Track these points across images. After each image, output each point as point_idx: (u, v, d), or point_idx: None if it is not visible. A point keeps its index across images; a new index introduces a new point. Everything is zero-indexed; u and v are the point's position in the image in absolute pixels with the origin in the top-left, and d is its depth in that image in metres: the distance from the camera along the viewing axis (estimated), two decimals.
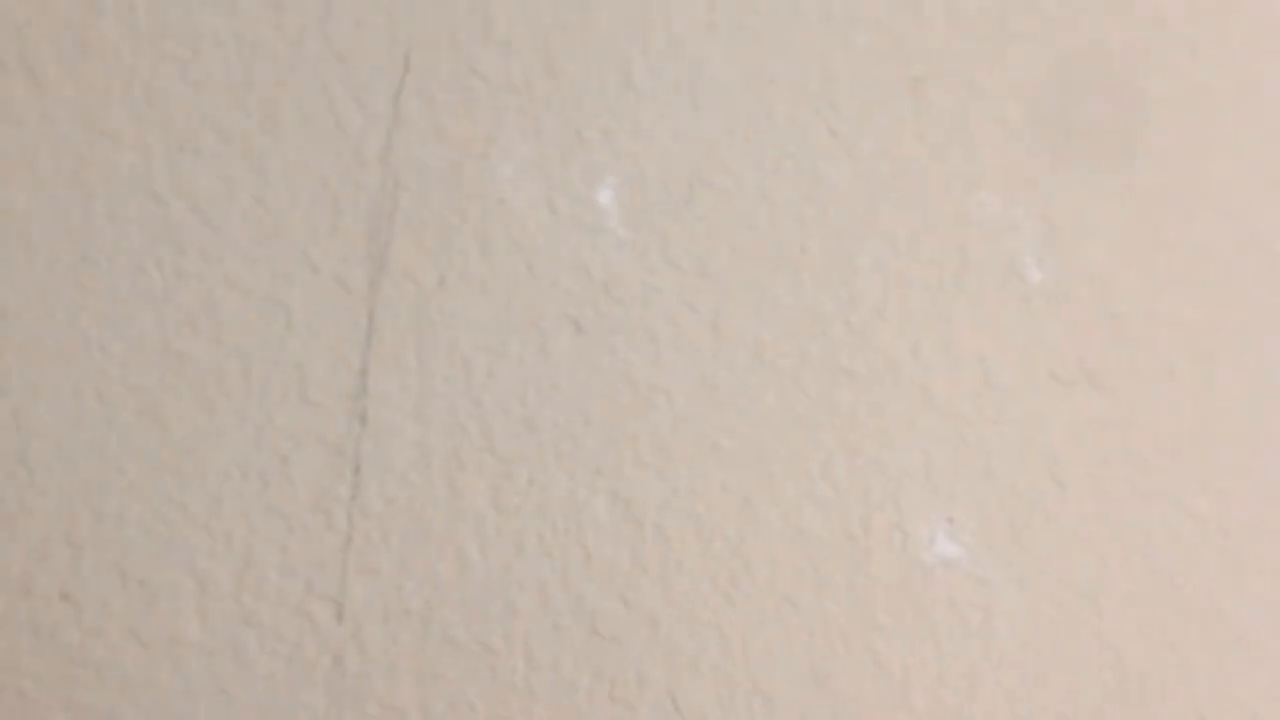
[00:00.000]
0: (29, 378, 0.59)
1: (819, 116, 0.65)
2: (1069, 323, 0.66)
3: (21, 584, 0.59)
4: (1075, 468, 0.65)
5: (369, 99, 0.61)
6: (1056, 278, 0.66)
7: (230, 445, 0.60)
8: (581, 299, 0.62)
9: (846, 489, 0.64)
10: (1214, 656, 0.66)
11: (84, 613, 0.59)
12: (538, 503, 0.61)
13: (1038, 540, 0.65)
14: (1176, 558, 0.66)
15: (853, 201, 0.65)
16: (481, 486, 0.61)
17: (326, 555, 0.60)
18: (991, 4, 0.68)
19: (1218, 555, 0.67)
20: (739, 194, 0.64)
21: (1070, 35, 0.69)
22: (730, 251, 0.63)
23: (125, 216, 0.60)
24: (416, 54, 0.61)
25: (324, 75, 0.61)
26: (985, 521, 0.65)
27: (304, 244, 0.60)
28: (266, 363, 0.60)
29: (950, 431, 0.65)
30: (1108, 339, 0.67)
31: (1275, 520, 0.67)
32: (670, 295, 0.62)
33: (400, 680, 0.61)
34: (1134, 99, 0.69)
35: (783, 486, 0.63)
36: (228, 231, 0.60)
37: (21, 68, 0.59)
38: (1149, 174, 0.68)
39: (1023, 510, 0.65)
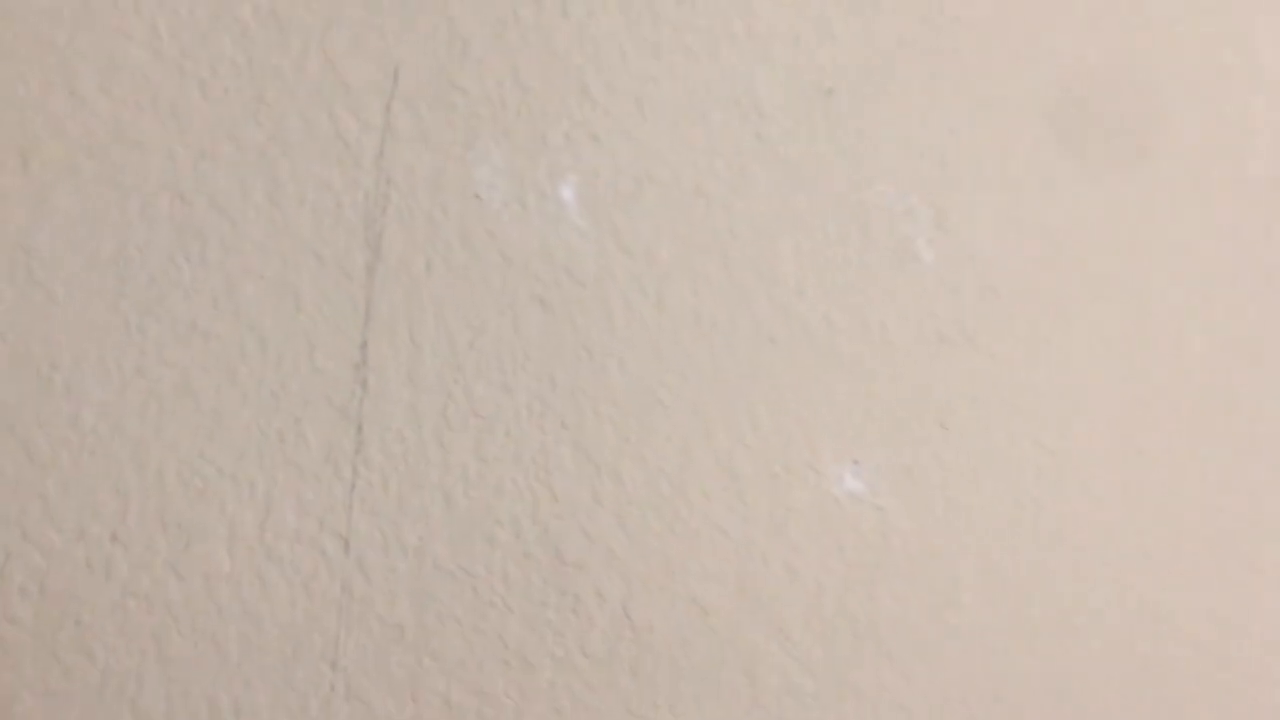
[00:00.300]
0: (79, 355, 0.68)
1: (746, 123, 0.74)
2: (954, 294, 0.77)
3: (77, 529, 0.68)
4: (957, 415, 0.77)
5: (364, 111, 0.70)
6: (944, 257, 0.77)
7: (251, 409, 0.69)
8: (547, 281, 0.72)
9: (770, 436, 0.75)
10: (1067, 561, 0.79)
11: (130, 551, 0.69)
12: (513, 452, 0.72)
13: (926, 476, 0.76)
14: (1035, 485, 0.78)
15: (774, 195, 0.75)
16: (465, 439, 0.71)
17: (335, 499, 0.70)
18: (891, 24, 0.78)
19: (1069, 483, 0.79)
20: (679, 189, 0.73)
21: (951, 49, 0.79)
22: (672, 239, 0.73)
23: (156, 215, 0.69)
24: (404, 72, 0.70)
25: (324, 91, 0.70)
26: (884, 461, 0.76)
27: (309, 237, 0.70)
28: (280, 339, 0.70)
29: (856, 387, 0.76)
30: (985, 307, 0.78)
31: (1116, 453, 0.80)
32: (622, 276, 0.73)
33: (398, 602, 0.71)
34: (1009, 104, 0.79)
35: (717, 435, 0.74)
36: (244, 227, 0.69)
37: (65, 88, 0.68)
38: (1020, 170, 0.79)
39: (914, 451, 0.76)
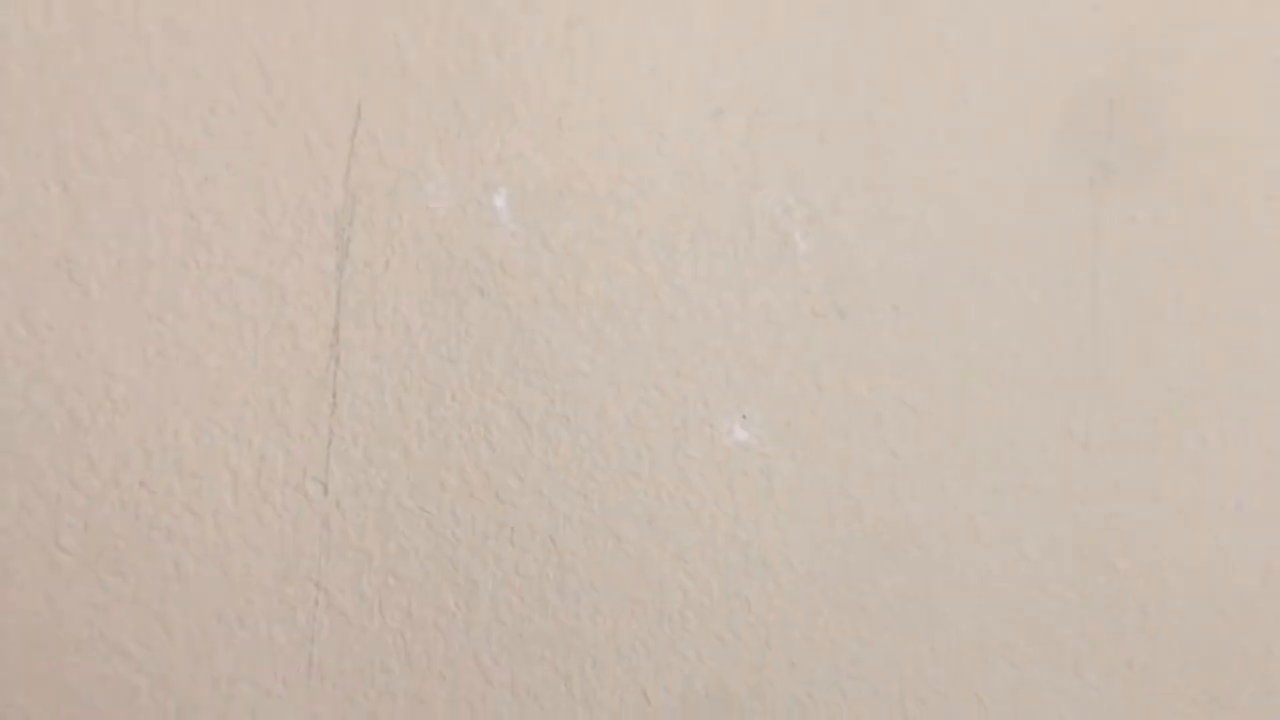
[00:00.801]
0: (111, 340, 0.85)
1: (649, 138, 0.89)
2: (825, 277, 0.92)
3: (112, 477, 0.85)
4: (829, 376, 0.92)
5: (333, 139, 0.86)
6: (817, 246, 0.92)
7: (247, 381, 0.86)
8: (484, 274, 0.88)
9: (672, 398, 0.90)
10: (920, 494, 0.94)
11: (155, 494, 0.86)
12: (458, 413, 0.88)
13: (802, 427, 0.92)
14: (896, 435, 0.93)
15: (674, 199, 0.90)
16: (420, 403, 0.88)
17: (315, 452, 0.87)
18: (772, 49, 0.91)
19: (926, 433, 0.93)
20: (594, 197, 0.89)
21: (827, 71, 0.92)
22: (588, 238, 0.89)
23: (170, 228, 0.85)
24: (365, 107, 0.86)
25: (301, 125, 0.86)
26: (767, 416, 0.92)
27: (291, 242, 0.86)
28: (268, 325, 0.86)
29: (743, 355, 0.91)
30: (851, 286, 0.93)
31: (971, 408, 0.94)
32: (546, 270, 0.88)
33: (368, 534, 0.88)
34: (877, 117, 0.92)
35: (628, 398, 0.90)
36: (239, 236, 0.86)
37: (95, 128, 0.84)
38: (879, 172, 0.93)
39: (793, 407, 0.92)
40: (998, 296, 0.93)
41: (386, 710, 0.88)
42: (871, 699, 0.92)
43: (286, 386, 0.86)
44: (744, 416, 0.90)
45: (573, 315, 0.88)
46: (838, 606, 0.92)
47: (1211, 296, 0.97)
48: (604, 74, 0.88)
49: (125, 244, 0.84)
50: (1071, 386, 0.94)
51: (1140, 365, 0.96)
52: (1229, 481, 0.97)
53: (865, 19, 0.91)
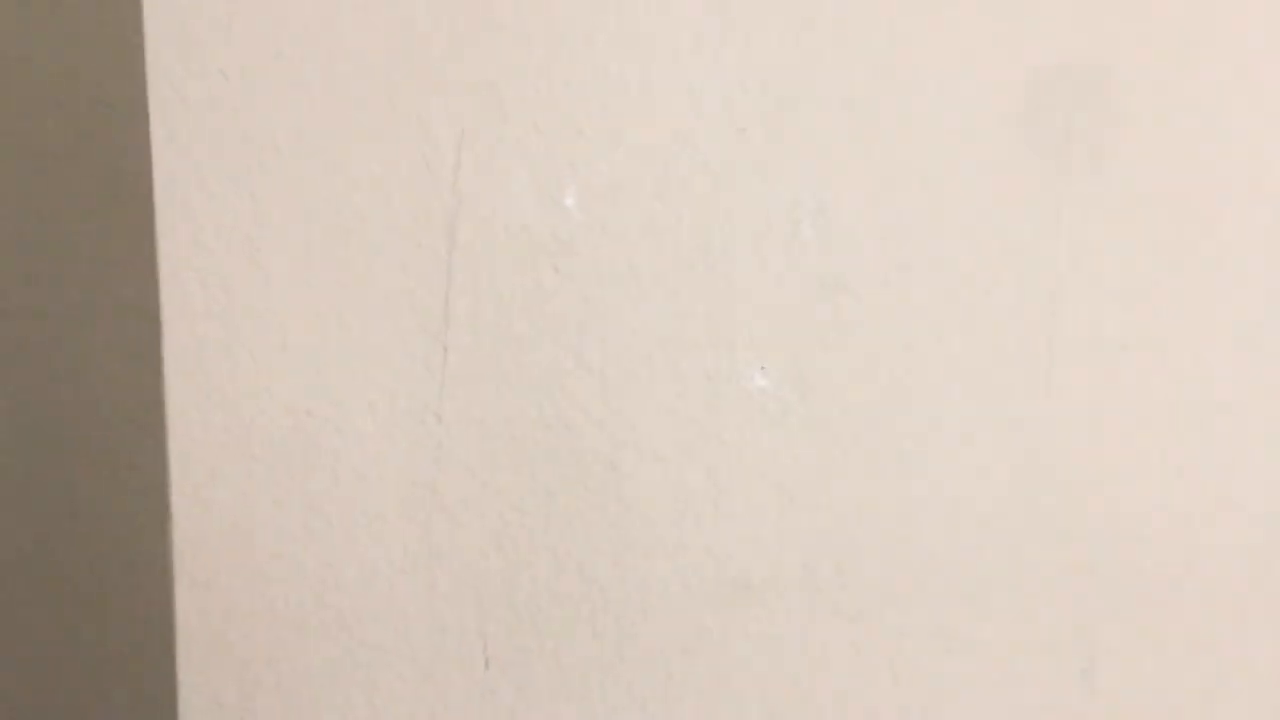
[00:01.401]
0: (301, 318, 1.16)
1: (687, 149, 1.14)
2: (826, 258, 1.15)
3: (286, 408, 1.16)
4: (834, 337, 1.15)
5: (444, 155, 1.14)
6: (821, 234, 1.16)
7: (383, 339, 1.15)
8: (557, 254, 1.15)
9: (705, 353, 1.15)
10: (913, 432, 1.16)
11: (317, 419, 1.16)
12: (539, 362, 1.15)
13: (813, 376, 1.15)
14: (894, 384, 1.16)
15: (707, 196, 1.15)
16: (510, 354, 1.15)
17: (431, 391, 1.15)
18: (777, 71, 1.13)
19: (921, 382, 1.16)
20: (643, 195, 1.14)
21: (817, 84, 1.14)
22: (652, 233, 1.14)
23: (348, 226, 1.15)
24: (467, 132, 1.14)
25: (420, 145, 1.14)
26: (783, 367, 1.15)
27: (411, 229, 1.15)
28: (397, 297, 1.15)
29: (762, 318, 1.15)
30: (845, 266, 1.16)
31: (953, 369, 1.16)
32: (612, 257, 1.14)
33: (471, 455, 1.16)
34: (865, 118, 1.13)
35: (671, 350, 1.14)
36: (373, 226, 1.15)
37: (272, 146, 1.14)
38: (869, 168, 1.14)
39: (805, 360, 1.15)
40: (965, 279, 1.16)
41: (485, 582, 1.16)
42: (858, 599, 1.16)
43: (410, 344, 1.15)
44: (762, 368, 1.15)
45: (626, 294, 1.14)
46: (845, 524, 1.16)
47: (1171, 281, 1.16)
48: (651, 103, 1.14)
49: (313, 235, 1.14)
50: (1028, 367, 1.16)
51: (1098, 356, 1.16)
52: (1191, 471, 1.17)
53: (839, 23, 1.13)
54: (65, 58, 1.46)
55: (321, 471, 1.16)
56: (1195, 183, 1.13)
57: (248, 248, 1.17)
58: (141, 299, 1.24)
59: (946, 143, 1.13)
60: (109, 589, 1.47)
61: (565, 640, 1.16)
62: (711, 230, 1.13)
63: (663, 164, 1.12)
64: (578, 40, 1.10)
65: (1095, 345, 1.15)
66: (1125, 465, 1.17)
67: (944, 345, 1.15)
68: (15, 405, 1.48)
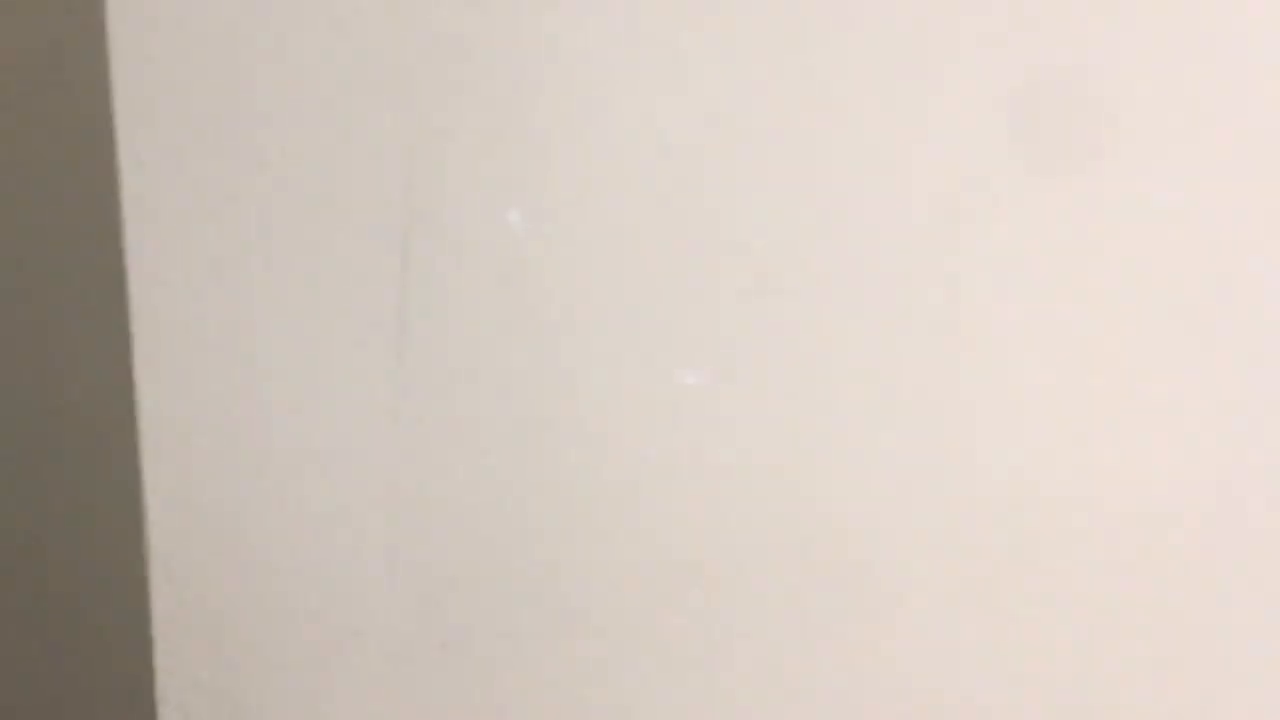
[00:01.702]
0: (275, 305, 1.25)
1: (619, 174, 1.25)
2: (743, 263, 1.26)
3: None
4: (760, 337, 1.25)
5: (395, 174, 1.24)
6: (737, 241, 1.26)
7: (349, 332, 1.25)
8: (505, 271, 1.25)
9: (642, 352, 1.24)
10: (826, 416, 1.26)
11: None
12: (478, 357, 1.25)
13: (738, 373, 1.25)
14: (814, 378, 1.25)
15: (638, 213, 1.25)
16: (457, 348, 1.25)
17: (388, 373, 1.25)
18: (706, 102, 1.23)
19: (838, 378, 1.25)
20: (602, 219, 1.24)
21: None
22: (601, 249, 1.23)
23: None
24: (419, 151, 1.24)
25: (373, 164, 1.24)
26: (713, 365, 1.25)
27: (366, 242, 1.24)
28: (359, 288, 1.25)
29: (690, 321, 1.25)
30: (758, 270, 1.26)
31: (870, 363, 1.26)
32: (562, 269, 1.25)
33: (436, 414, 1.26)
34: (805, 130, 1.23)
35: (609, 349, 1.24)
36: (334, 236, 1.25)
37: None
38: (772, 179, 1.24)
39: (730, 359, 1.25)
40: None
41: None
42: (788, 584, 1.26)
43: (367, 351, 1.25)
44: (694, 366, 1.24)
45: (570, 297, 1.23)
46: (769, 500, 1.26)
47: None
48: (596, 123, 1.23)
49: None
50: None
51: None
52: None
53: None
54: (33, 59, 1.52)
55: (288, 469, 1.25)
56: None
57: (213, 259, 1.27)
58: (113, 309, 1.33)
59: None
60: (85, 585, 1.55)
61: (522, 624, 1.26)
62: (644, 246, 1.22)
63: (605, 181, 1.22)
64: (525, 62, 1.20)
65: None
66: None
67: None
68: None
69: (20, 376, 1.52)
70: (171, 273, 1.27)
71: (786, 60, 1.17)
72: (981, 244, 1.17)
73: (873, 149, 1.16)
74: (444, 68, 1.21)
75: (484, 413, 1.25)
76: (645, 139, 1.20)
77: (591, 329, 1.23)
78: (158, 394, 1.28)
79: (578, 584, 1.25)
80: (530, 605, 1.26)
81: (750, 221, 1.19)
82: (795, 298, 1.20)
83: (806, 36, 1.16)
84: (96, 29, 1.27)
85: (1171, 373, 1.15)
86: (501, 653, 1.26)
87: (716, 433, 1.23)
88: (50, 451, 1.54)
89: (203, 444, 1.26)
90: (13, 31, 1.43)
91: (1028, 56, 1.09)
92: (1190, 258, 1.10)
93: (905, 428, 1.21)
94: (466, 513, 1.26)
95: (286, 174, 1.26)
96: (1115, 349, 1.15)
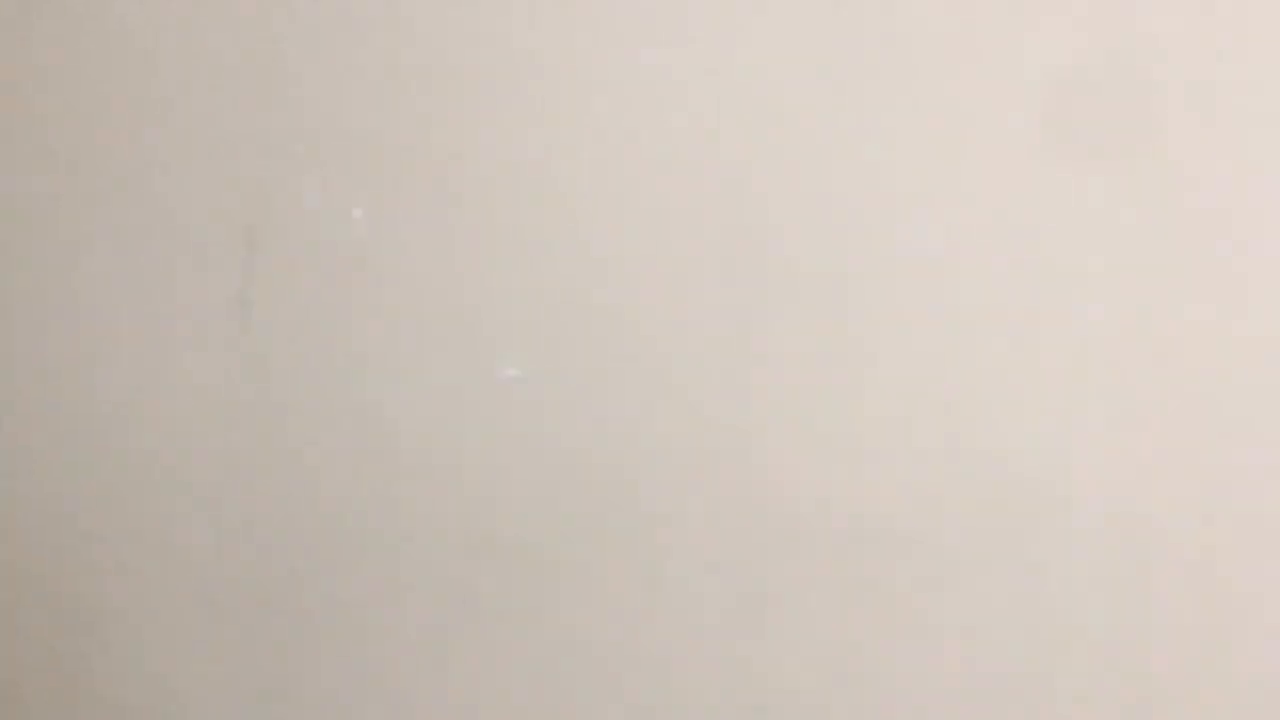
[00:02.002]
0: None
1: (412, 176, 1.35)
2: (541, 260, 1.38)
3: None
4: (576, 329, 1.36)
5: (247, 175, 1.33)
6: (526, 232, 1.38)
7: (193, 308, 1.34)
8: (343, 266, 1.35)
9: (464, 346, 1.35)
10: (646, 406, 1.38)
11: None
12: (317, 350, 1.35)
13: (557, 366, 1.36)
14: (624, 372, 1.37)
15: (442, 218, 1.36)
16: (297, 334, 1.35)
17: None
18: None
19: (670, 376, 1.38)
20: (419, 211, 1.35)
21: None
22: (423, 239, 1.35)
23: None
24: (271, 157, 1.33)
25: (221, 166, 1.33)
26: (532, 359, 1.36)
27: (213, 235, 1.34)
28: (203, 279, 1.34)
29: (509, 317, 1.36)
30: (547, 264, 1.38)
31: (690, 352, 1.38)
32: (386, 261, 1.35)
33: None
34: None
35: (433, 340, 1.34)
36: (179, 230, 1.34)
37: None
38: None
39: (548, 353, 1.35)
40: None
41: None
42: (590, 556, 1.37)
43: (211, 334, 1.34)
44: (514, 359, 1.35)
45: (404, 288, 1.34)
46: (583, 486, 1.37)
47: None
48: (439, 125, 1.33)
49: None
50: None
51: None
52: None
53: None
54: None
55: (126, 437, 1.34)
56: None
57: (66, 248, 1.36)
58: None
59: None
60: None
61: (339, 586, 1.37)
62: (460, 239, 1.33)
63: (443, 184, 1.32)
64: (367, 67, 1.31)
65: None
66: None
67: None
68: None
69: None
70: (21, 263, 1.36)
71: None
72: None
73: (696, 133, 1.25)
74: (299, 71, 1.31)
75: (318, 392, 1.35)
76: (481, 146, 1.31)
77: (422, 321, 1.34)
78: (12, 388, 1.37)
79: (398, 551, 1.35)
80: (353, 571, 1.36)
81: (574, 225, 1.31)
82: (618, 294, 1.30)
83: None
84: None
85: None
86: (322, 612, 1.37)
87: (533, 422, 1.34)
88: None
89: (57, 424, 1.34)
90: None
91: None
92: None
93: (708, 417, 1.32)
94: (295, 483, 1.36)
95: (138, 165, 1.35)
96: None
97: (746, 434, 1.31)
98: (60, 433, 1.38)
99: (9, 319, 1.38)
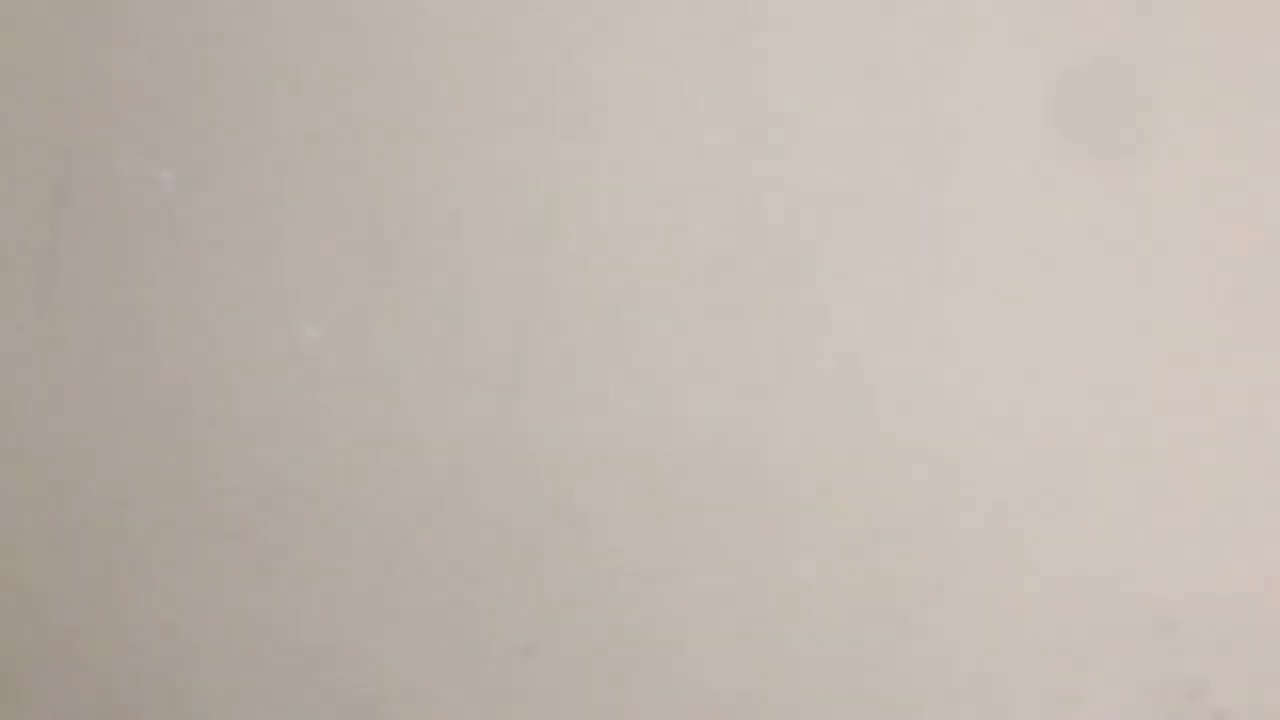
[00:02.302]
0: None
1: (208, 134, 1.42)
2: (350, 223, 1.47)
3: None
4: (360, 292, 1.46)
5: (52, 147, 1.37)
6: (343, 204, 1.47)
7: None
8: (154, 222, 1.39)
9: (267, 307, 1.43)
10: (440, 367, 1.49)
11: None
12: (119, 307, 1.40)
13: (349, 324, 1.45)
14: (416, 322, 1.47)
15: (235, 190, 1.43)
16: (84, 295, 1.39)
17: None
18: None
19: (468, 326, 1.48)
20: (220, 173, 1.41)
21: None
22: (219, 197, 1.41)
23: None
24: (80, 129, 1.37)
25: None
26: (327, 318, 1.44)
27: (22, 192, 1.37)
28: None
29: (311, 283, 1.44)
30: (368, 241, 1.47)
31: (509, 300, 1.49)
32: (195, 216, 1.41)
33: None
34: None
35: (235, 302, 1.42)
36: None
37: None
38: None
39: (344, 309, 1.44)
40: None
41: None
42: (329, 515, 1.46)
43: (18, 282, 1.37)
44: (311, 319, 1.42)
45: (208, 250, 1.40)
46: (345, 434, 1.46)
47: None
48: (251, 91, 1.40)
49: None
50: None
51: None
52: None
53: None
54: None
55: None
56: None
57: None
58: None
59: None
60: None
61: (135, 530, 1.41)
62: (282, 210, 1.40)
63: (250, 151, 1.39)
64: (179, 33, 1.36)
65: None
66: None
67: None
68: None
69: None
70: None
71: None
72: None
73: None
74: (110, 33, 1.36)
75: (121, 341, 1.39)
76: (283, 111, 1.39)
77: (224, 281, 1.40)
78: None
79: (189, 493, 1.40)
80: (146, 517, 1.41)
81: (377, 187, 1.39)
82: (416, 259, 1.40)
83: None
84: None
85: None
86: (119, 550, 1.41)
87: (330, 380, 1.42)
88: None
89: None
90: None
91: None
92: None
93: (489, 381, 1.43)
94: (92, 437, 1.40)
95: None
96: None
97: (522, 394, 1.42)
98: None
99: None
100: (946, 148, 1.21)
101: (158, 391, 1.41)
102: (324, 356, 1.41)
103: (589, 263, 1.42)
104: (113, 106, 1.38)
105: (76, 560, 1.41)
